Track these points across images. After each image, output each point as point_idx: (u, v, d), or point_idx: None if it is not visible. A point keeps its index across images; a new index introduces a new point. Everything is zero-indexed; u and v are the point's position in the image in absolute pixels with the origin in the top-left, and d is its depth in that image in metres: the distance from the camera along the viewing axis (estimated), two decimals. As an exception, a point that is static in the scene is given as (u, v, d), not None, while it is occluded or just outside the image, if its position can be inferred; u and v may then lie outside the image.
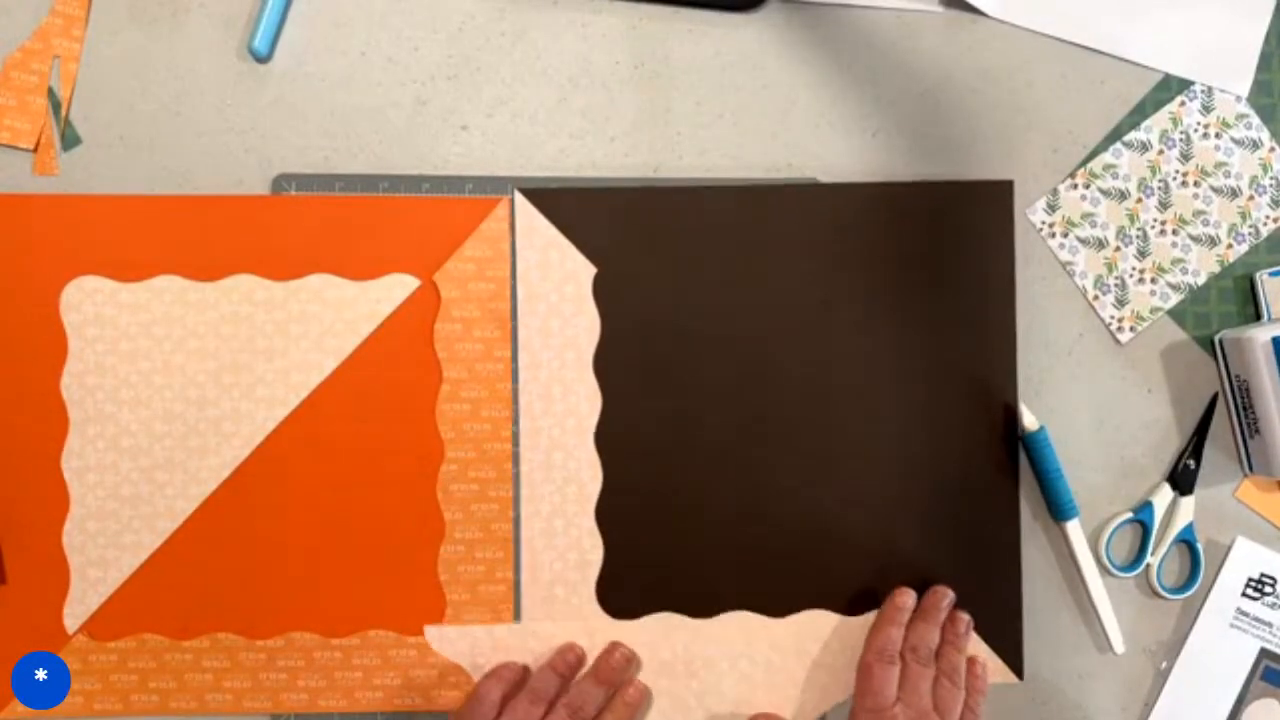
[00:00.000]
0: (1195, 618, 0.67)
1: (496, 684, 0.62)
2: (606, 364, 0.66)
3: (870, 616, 0.66)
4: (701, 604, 0.66)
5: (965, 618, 0.65)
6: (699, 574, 0.66)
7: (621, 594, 0.66)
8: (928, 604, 0.65)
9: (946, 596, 0.65)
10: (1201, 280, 0.68)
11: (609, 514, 0.66)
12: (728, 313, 0.66)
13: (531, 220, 0.66)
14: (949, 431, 0.66)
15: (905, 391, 0.66)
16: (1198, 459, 0.67)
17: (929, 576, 0.66)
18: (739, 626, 0.66)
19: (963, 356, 0.66)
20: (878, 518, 0.66)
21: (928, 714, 0.60)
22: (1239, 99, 0.68)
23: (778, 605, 0.66)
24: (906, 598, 0.65)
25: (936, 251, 0.67)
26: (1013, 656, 0.66)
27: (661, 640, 0.66)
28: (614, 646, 0.65)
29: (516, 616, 0.66)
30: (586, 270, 0.66)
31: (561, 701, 0.62)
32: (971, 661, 0.65)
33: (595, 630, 0.66)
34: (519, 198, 0.66)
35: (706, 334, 0.66)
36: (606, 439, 0.66)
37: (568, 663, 0.64)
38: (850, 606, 0.66)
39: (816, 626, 0.66)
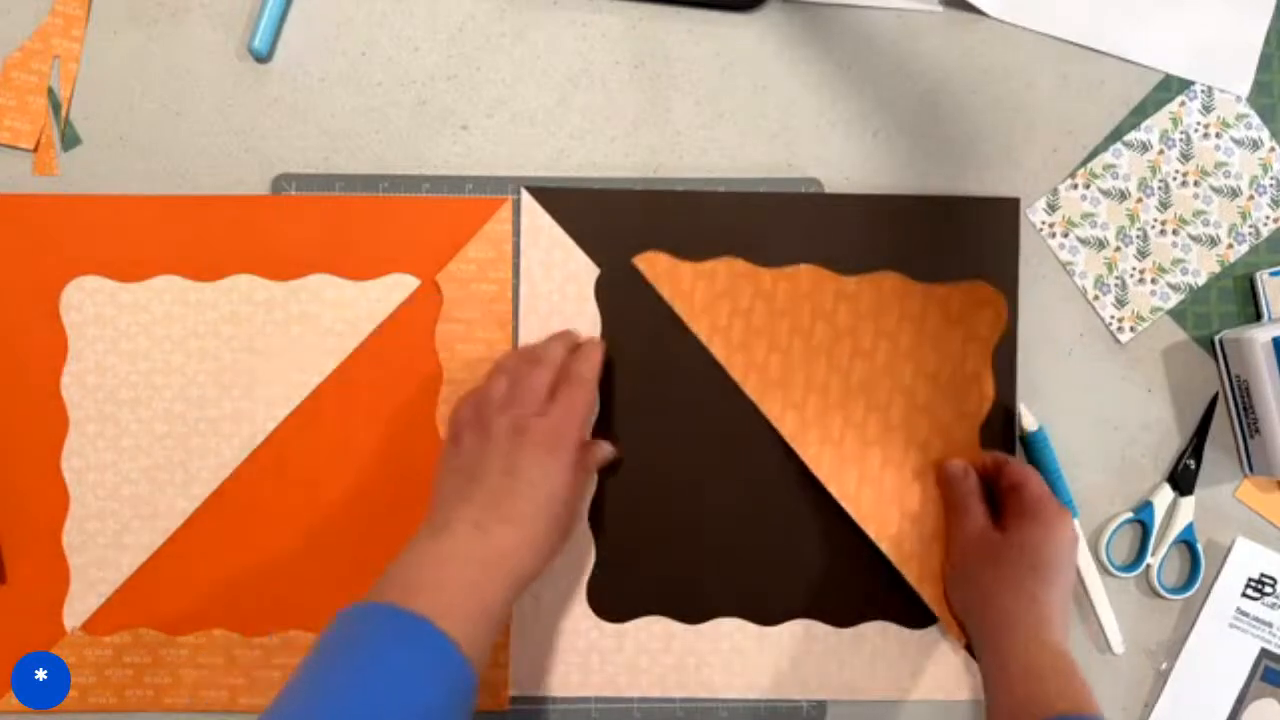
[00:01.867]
0: (1195, 618, 0.67)
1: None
2: (605, 365, 0.66)
3: (861, 629, 0.66)
4: (692, 609, 0.66)
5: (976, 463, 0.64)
6: (691, 579, 0.66)
7: (612, 596, 0.66)
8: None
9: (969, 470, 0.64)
10: (1202, 280, 0.68)
11: (602, 516, 0.66)
12: (728, 313, 0.67)
13: (536, 219, 0.66)
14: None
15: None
16: (1198, 459, 0.67)
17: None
18: (729, 633, 0.66)
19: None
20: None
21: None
22: (1239, 99, 0.68)
23: (768, 613, 0.66)
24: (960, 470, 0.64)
25: (939, 261, 0.66)
26: None
27: (650, 644, 0.66)
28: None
29: (509, 620, 0.66)
30: (589, 271, 0.66)
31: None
32: (1002, 463, 0.64)
33: (584, 632, 0.66)
34: (525, 196, 0.66)
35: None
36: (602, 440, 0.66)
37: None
38: (840, 618, 0.66)
39: (806, 636, 0.66)
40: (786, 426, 0.65)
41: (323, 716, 0.48)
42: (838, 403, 0.65)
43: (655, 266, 0.66)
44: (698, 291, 0.66)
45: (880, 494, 0.65)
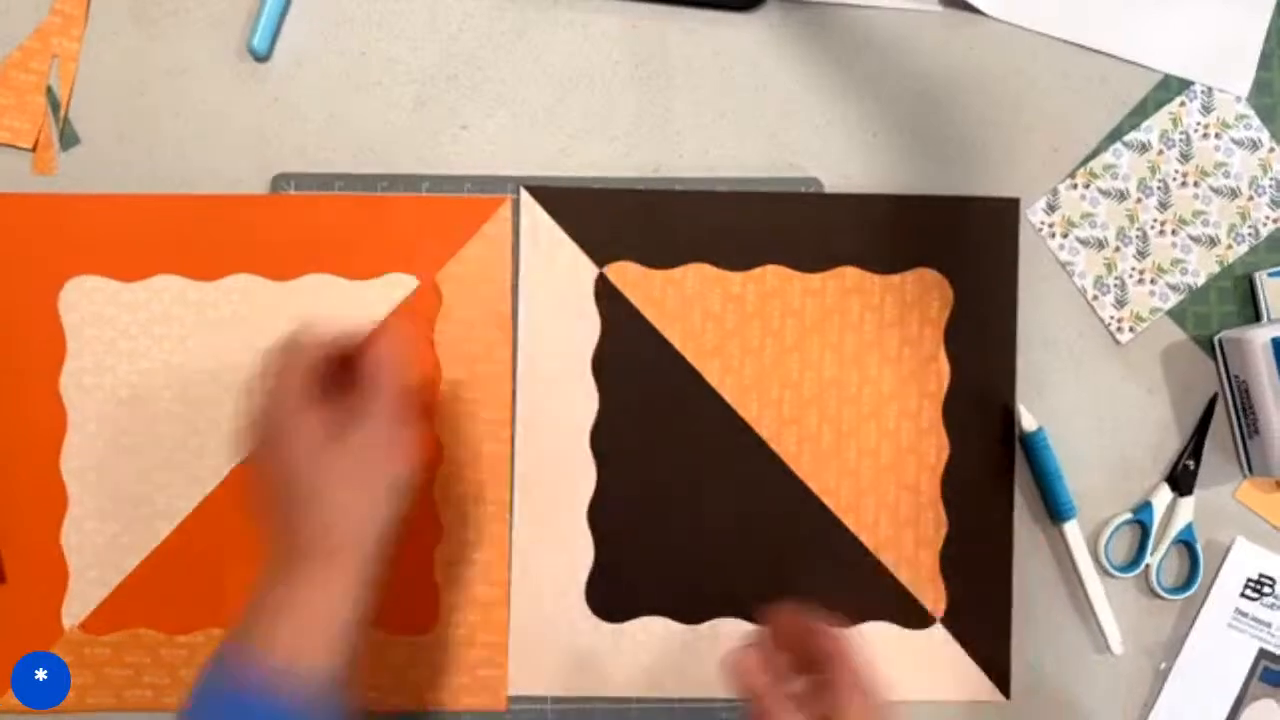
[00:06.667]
0: (1194, 618, 0.67)
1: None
2: (604, 365, 0.66)
3: (860, 629, 0.66)
4: (692, 609, 0.66)
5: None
6: (690, 579, 0.66)
7: (610, 596, 0.66)
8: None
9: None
10: (1201, 280, 0.68)
11: (601, 516, 0.66)
12: (727, 313, 0.67)
13: (536, 219, 0.66)
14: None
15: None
16: (1197, 459, 0.67)
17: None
18: (729, 633, 0.66)
19: (962, 357, 0.66)
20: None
21: None
22: (1239, 99, 0.68)
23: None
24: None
25: (939, 262, 0.66)
26: (1000, 674, 0.66)
27: (650, 644, 0.66)
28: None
29: (508, 620, 0.66)
30: (589, 270, 0.66)
31: None
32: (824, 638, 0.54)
33: (583, 632, 0.66)
34: (525, 196, 0.66)
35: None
36: (602, 441, 0.66)
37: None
38: (840, 618, 0.66)
39: None
40: (765, 428, 0.66)
41: None
42: (813, 398, 0.66)
43: (625, 276, 0.66)
44: (668, 299, 0.66)
45: (858, 486, 0.66)
